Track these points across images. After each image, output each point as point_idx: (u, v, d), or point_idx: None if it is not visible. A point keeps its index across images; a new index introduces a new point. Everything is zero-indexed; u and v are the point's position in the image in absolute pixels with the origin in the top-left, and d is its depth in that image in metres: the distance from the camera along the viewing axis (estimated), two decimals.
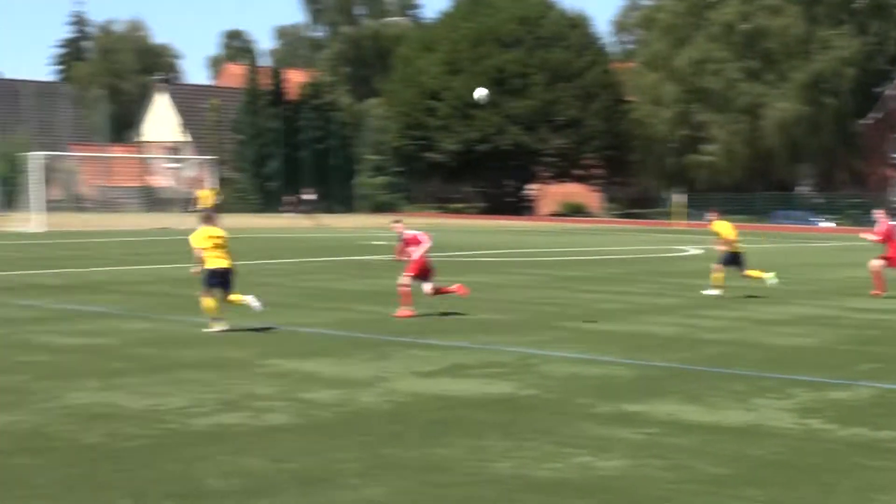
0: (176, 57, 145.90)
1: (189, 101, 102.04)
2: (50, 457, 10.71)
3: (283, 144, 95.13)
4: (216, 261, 19.67)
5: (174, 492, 9.59)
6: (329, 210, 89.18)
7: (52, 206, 71.65)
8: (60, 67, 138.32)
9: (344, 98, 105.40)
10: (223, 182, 80.00)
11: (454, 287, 22.99)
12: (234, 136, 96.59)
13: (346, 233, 60.72)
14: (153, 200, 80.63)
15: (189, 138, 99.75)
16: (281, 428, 11.99)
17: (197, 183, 66.50)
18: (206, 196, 55.08)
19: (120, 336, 18.86)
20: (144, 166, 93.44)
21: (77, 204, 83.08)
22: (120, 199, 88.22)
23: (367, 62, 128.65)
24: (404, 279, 22.11)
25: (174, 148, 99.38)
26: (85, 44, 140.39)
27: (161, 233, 54.26)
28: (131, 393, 13.80)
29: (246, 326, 20.02)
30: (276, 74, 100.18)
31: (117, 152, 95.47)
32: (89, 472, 10.21)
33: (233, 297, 19.79)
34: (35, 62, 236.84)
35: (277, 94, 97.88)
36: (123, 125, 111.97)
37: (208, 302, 19.68)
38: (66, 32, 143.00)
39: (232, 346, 17.89)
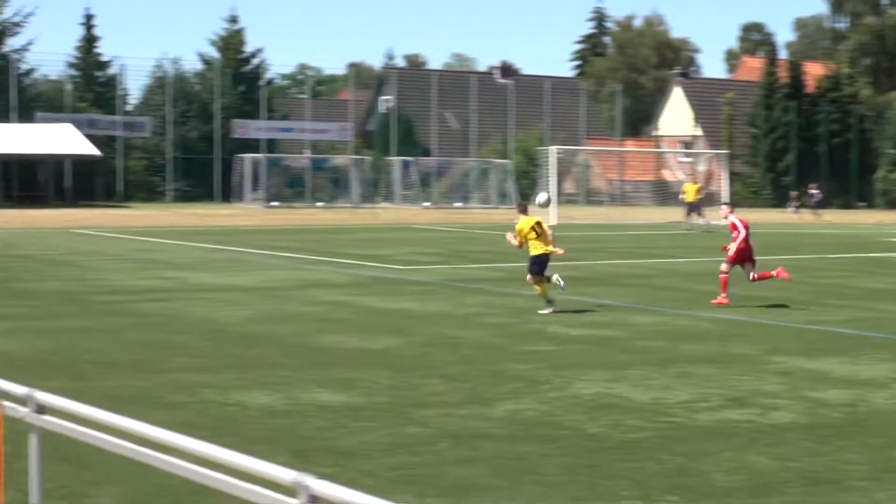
0: (694, 51, 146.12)
1: (703, 95, 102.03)
2: (556, 445, 10.96)
3: (797, 139, 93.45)
4: (537, 248, 21.21)
5: (678, 485, 9.59)
6: (847, 206, 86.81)
7: (565, 200, 73.48)
8: (579, 63, 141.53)
9: (865, 90, 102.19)
10: (734, 176, 79.34)
11: (775, 272, 22.82)
12: (747, 129, 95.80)
13: (862, 229, 58.86)
14: (666, 194, 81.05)
15: (701, 132, 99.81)
16: (787, 426, 11.75)
17: (695, 176, 66.30)
18: (691, 190, 54.89)
19: (627, 328, 19.08)
20: (658, 160, 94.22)
21: (589, 197, 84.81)
22: (632, 193, 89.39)
23: (892, 53, 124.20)
24: (723, 266, 22.45)
25: (687, 142, 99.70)
26: (604, 39, 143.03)
27: (673, 227, 54.49)
28: (636, 385, 13.92)
29: (756, 321, 19.81)
30: (794, 67, 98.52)
31: (631, 146, 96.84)
32: (594, 461, 10.36)
33: (538, 282, 21.21)
34: (556, 58, 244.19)
35: (795, 88, 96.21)
36: (639, 119, 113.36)
37: (539, 287, 21.19)
38: (587, 28, 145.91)
39: (739, 341, 17.71)
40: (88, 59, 79.86)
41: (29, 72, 76.80)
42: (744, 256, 22.46)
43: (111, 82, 79.41)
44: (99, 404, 7.05)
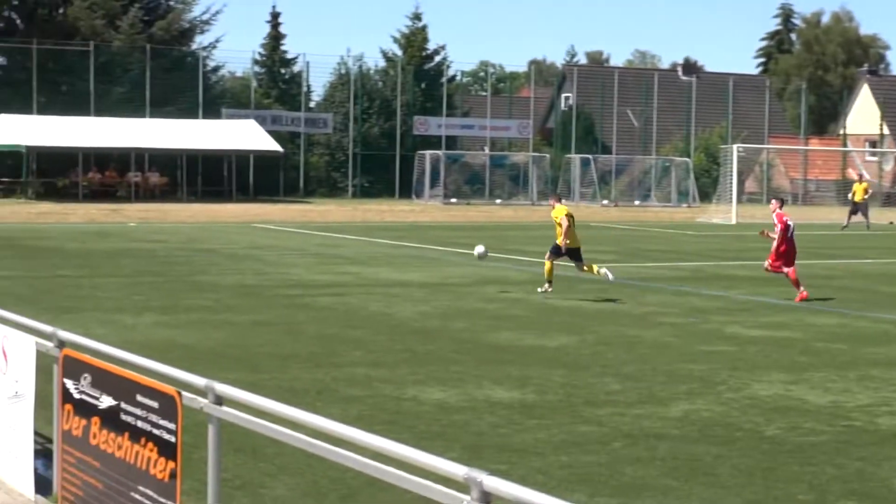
0: (884, 48, 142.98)
1: (891, 93, 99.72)
2: (731, 446, 10.85)
3: None
4: (570, 240, 22.60)
5: (856, 490, 9.44)
6: None
7: (747, 198, 72.43)
8: (763, 60, 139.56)
9: None
10: None
11: (799, 290, 22.68)
12: None
13: None
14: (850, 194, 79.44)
15: (888, 131, 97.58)
16: None
17: (862, 176, 64.74)
18: (859, 189, 53.77)
19: (806, 330, 18.75)
20: (843, 159, 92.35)
21: (771, 196, 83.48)
22: (815, 193, 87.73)
23: None
24: (783, 269, 23.03)
25: (874, 141, 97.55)
26: (790, 36, 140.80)
27: (856, 226, 53.31)
28: (816, 388, 13.70)
29: None
30: None
31: (815, 145, 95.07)
32: (770, 464, 10.24)
33: (586, 267, 22.84)
34: (740, 55, 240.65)
35: None
36: (825, 117, 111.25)
37: (547, 265, 22.75)
38: (773, 25, 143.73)
39: None
40: (274, 56, 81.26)
41: (216, 69, 78.46)
42: (788, 257, 23.05)
43: (295, 79, 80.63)
44: (275, 397, 7.20)
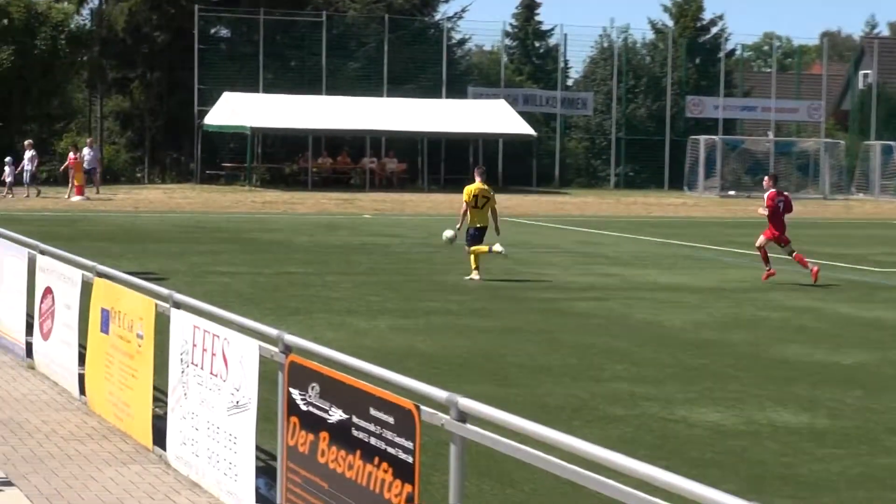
0: None
1: None
2: None
3: None
4: (476, 219, 24.80)
5: None
6: None
7: None
8: None
9: None
10: None
11: (813, 268, 25.53)
12: None
13: None
14: None
15: None
16: None
17: None
18: None
19: None
20: None
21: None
22: None
23: None
24: (758, 240, 26.16)
25: None
26: None
27: None
28: None
29: None
30: None
31: None
32: None
33: (476, 248, 24.68)
34: None
35: None
36: None
37: (473, 255, 24.60)
38: None
39: None
40: (527, 28, 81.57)
41: (461, 42, 79.08)
42: (776, 234, 25.96)
43: (551, 54, 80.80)
44: (526, 414, 7.16)
